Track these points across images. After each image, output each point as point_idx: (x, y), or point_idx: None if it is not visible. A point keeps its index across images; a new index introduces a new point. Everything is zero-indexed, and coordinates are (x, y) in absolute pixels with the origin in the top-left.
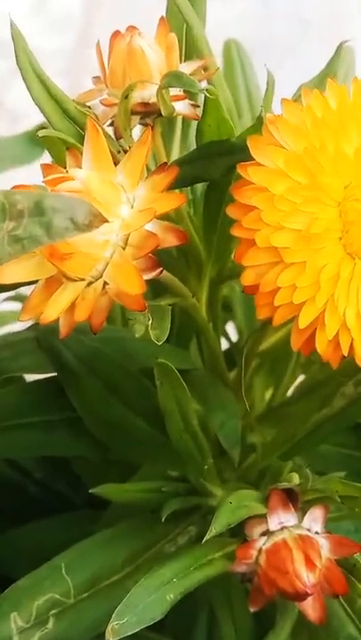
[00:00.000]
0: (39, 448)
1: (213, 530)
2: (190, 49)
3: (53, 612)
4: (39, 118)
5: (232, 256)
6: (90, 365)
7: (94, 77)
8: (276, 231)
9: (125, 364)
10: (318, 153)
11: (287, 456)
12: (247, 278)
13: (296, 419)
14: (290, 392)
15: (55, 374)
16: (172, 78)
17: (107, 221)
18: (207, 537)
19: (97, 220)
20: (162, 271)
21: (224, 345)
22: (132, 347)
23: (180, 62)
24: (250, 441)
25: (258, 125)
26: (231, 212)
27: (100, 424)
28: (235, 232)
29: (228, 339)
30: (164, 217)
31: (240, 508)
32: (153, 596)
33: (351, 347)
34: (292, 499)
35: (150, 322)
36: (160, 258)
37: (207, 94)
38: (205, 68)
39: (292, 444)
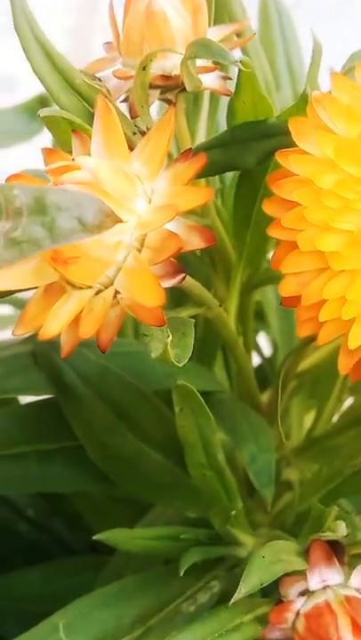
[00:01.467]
0: (33, 483)
1: (243, 590)
2: (221, 10)
3: None
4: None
5: (267, 258)
6: (96, 386)
7: (106, 43)
8: (323, 232)
9: (138, 384)
10: None
11: (331, 498)
12: (286, 288)
13: (342, 452)
14: (335, 419)
15: (54, 396)
16: (200, 47)
17: (120, 221)
18: (235, 598)
19: (109, 220)
20: (185, 277)
21: (255, 360)
22: (146, 364)
23: (209, 26)
24: (286, 478)
25: (301, 104)
26: (268, 208)
27: (106, 455)
28: (272, 232)
29: (259, 352)
30: (188, 212)
31: (275, 564)
32: None
33: None
34: (338, 552)
35: (170, 339)
36: (182, 260)
37: (241, 67)
38: (239, 34)
39: (338, 484)
